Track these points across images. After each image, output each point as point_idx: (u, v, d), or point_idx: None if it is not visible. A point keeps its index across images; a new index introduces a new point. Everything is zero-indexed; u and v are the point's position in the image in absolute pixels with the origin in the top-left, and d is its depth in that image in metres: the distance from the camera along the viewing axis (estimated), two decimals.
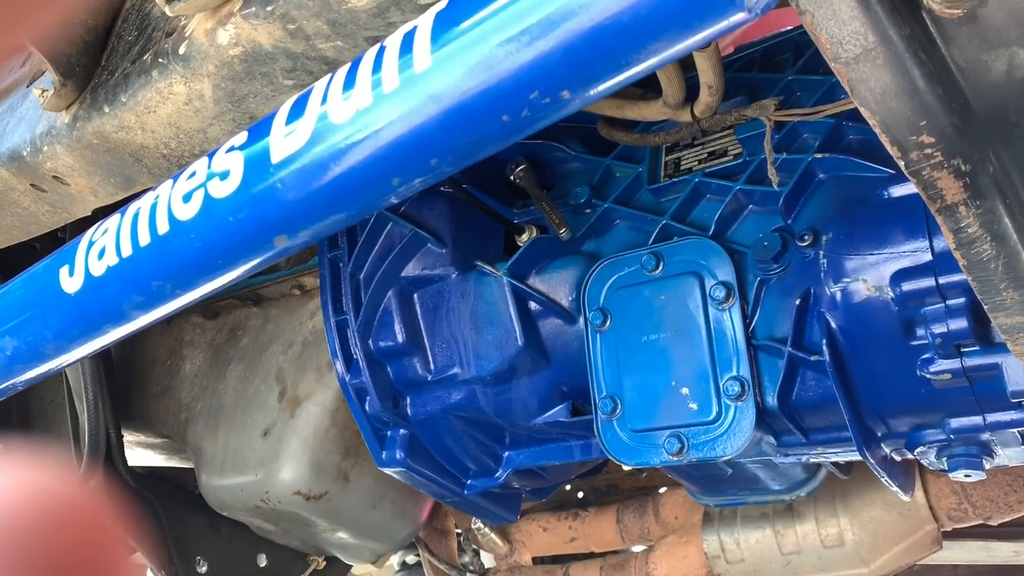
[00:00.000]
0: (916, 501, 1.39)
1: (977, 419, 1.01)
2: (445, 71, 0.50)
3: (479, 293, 1.33)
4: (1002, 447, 1.03)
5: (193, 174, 0.66)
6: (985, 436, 1.02)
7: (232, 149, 0.63)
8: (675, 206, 1.23)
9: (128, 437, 1.79)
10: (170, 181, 0.68)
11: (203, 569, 1.75)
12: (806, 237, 1.08)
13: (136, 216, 0.70)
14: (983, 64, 0.60)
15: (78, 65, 0.91)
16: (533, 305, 1.30)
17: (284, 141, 0.59)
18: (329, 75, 0.58)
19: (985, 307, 0.71)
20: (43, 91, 0.90)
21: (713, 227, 1.17)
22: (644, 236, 1.24)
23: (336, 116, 0.56)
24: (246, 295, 1.71)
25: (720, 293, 1.13)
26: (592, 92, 0.48)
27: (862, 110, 0.61)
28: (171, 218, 0.66)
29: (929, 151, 0.60)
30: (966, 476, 1.07)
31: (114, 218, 0.73)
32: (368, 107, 0.54)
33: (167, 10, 0.75)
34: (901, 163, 0.62)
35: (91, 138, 0.89)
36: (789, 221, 1.12)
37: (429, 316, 1.37)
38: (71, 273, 0.74)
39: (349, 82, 0.56)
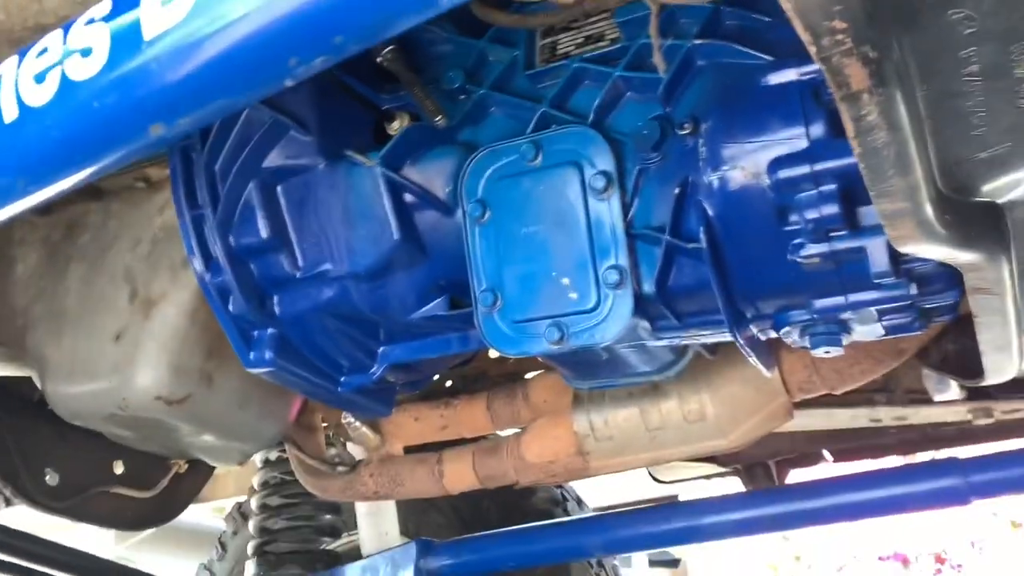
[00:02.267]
0: (771, 376, 1.48)
1: (840, 299, 1.07)
2: None
3: (350, 185, 1.26)
4: (859, 324, 1.11)
5: (45, 51, 0.56)
6: (846, 315, 1.09)
7: (93, 21, 0.54)
8: (553, 93, 1.20)
9: None
10: (15, 59, 0.58)
11: (54, 481, 1.65)
12: (686, 125, 1.08)
13: None
14: None
15: None
16: (409, 197, 1.25)
17: (160, 11, 0.51)
18: None
19: (872, 193, 0.74)
20: None
21: (592, 115, 1.16)
22: (522, 124, 1.21)
23: None
24: (83, 188, 1.55)
25: (599, 183, 1.13)
26: None
27: None
28: (20, 102, 0.57)
29: (840, 37, 0.60)
30: (826, 352, 1.14)
31: None
32: None
33: None
34: (812, 49, 0.61)
35: None
36: (668, 109, 1.11)
37: (295, 209, 1.30)
38: None
39: None
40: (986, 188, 0.81)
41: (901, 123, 0.66)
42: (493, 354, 2.16)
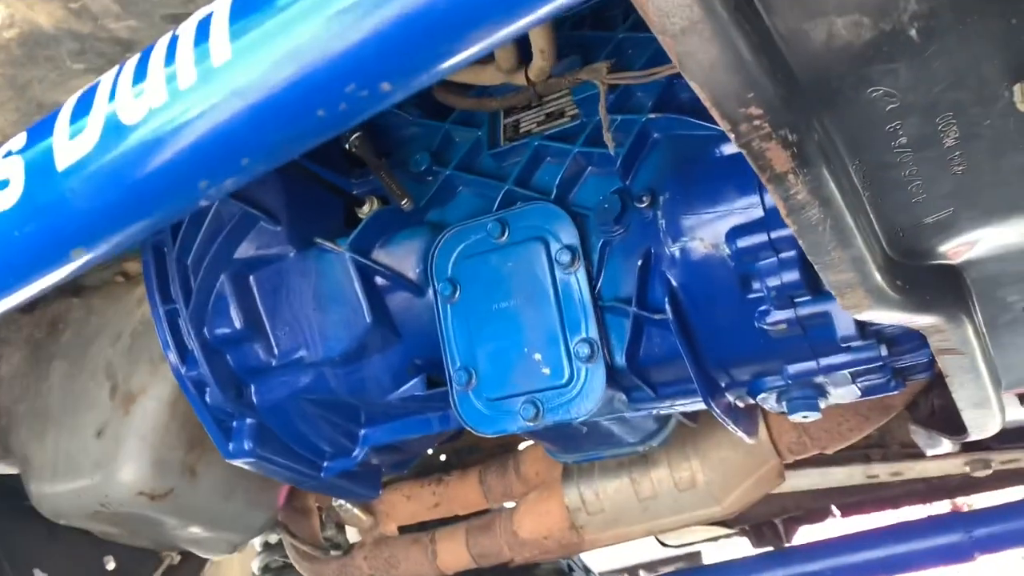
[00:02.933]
0: (760, 439, 1.46)
1: (811, 364, 1.06)
2: (248, 64, 0.45)
3: (320, 271, 1.27)
4: (834, 387, 1.09)
5: None
6: (819, 379, 1.08)
7: (9, 154, 0.55)
8: (517, 171, 1.21)
9: None
10: None
11: None
12: (644, 198, 1.09)
13: None
14: (804, 33, 0.60)
15: None
16: (379, 280, 1.25)
17: (70, 144, 0.51)
18: (116, 68, 0.51)
19: (816, 267, 0.73)
20: None
21: (555, 191, 1.17)
22: (488, 202, 1.22)
23: (127, 116, 0.49)
24: (64, 285, 1.56)
25: (565, 257, 1.13)
26: (415, 83, 0.44)
27: (691, 83, 0.60)
28: None
29: (757, 123, 0.60)
30: (804, 417, 1.12)
31: None
32: (163, 105, 0.48)
33: None
34: (731, 135, 0.62)
35: None
36: (627, 182, 1.12)
37: (269, 298, 1.30)
38: None
39: (139, 76, 0.49)
40: (939, 250, 0.81)
41: (832, 198, 0.66)
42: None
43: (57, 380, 1.53)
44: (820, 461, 1.68)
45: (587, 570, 2.56)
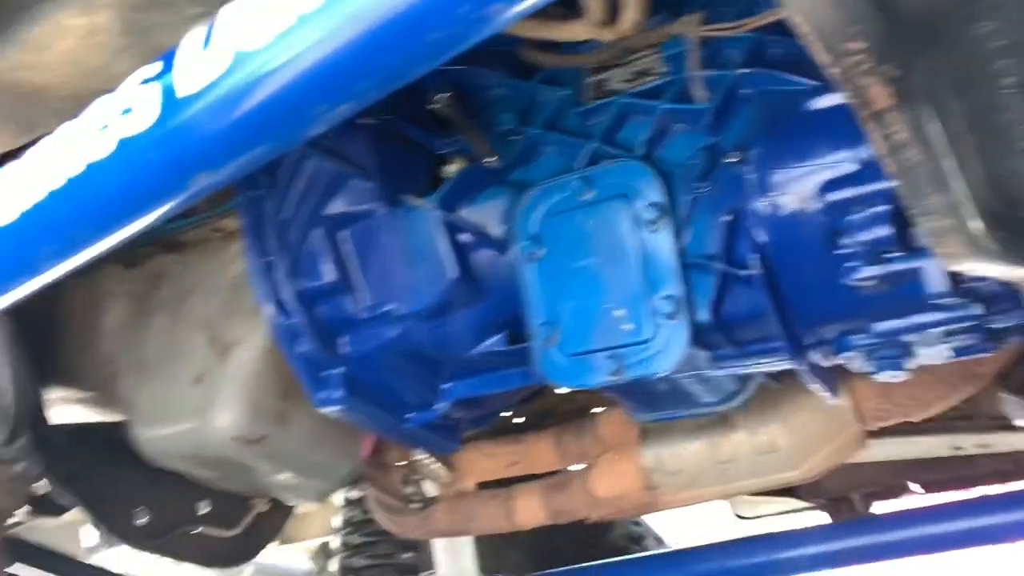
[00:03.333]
0: (842, 405, 1.44)
1: (900, 322, 1.05)
2: None
3: (408, 227, 1.31)
4: (923, 347, 1.08)
5: (104, 111, 0.61)
6: (907, 338, 1.07)
7: (145, 82, 0.59)
8: (603, 129, 1.22)
9: (54, 394, 1.73)
10: (78, 120, 0.63)
11: (143, 520, 1.72)
12: (733, 154, 1.09)
13: (45, 158, 0.65)
14: None
15: None
16: (465, 237, 1.28)
17: (198, 71, 0.55)
18: None
19: (912, 212, 0.73)
20: None
21: (642, 148, 1.17)
22: (573, 161, 1.23)
23: (253, 41, 0.53)
24: (165, 241, 1.65)
25: (650, 214, 1.14)
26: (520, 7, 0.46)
27: (793, 18, 0.60)
28: (83, 159, 0.62)
29: (859, 58, 0.60)
30: (891, 377, 1.11)
31: (20, 162, 0.68)
32: (288, 29, 0.51)
33: None
34: (832, 71, 0.62)
35: None
36: (716, 138, 1.12)
37: (359, 253, 1.35)
38: None
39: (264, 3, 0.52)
40: None
41: (933, 139, 0.66)
42: (563, 390, 2.17)
43: (158, 331, 1.62)
44: (902, 431, 1.66)
45: (658, 539, 2.57)
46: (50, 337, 1.76)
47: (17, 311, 1.57)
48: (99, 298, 1.72)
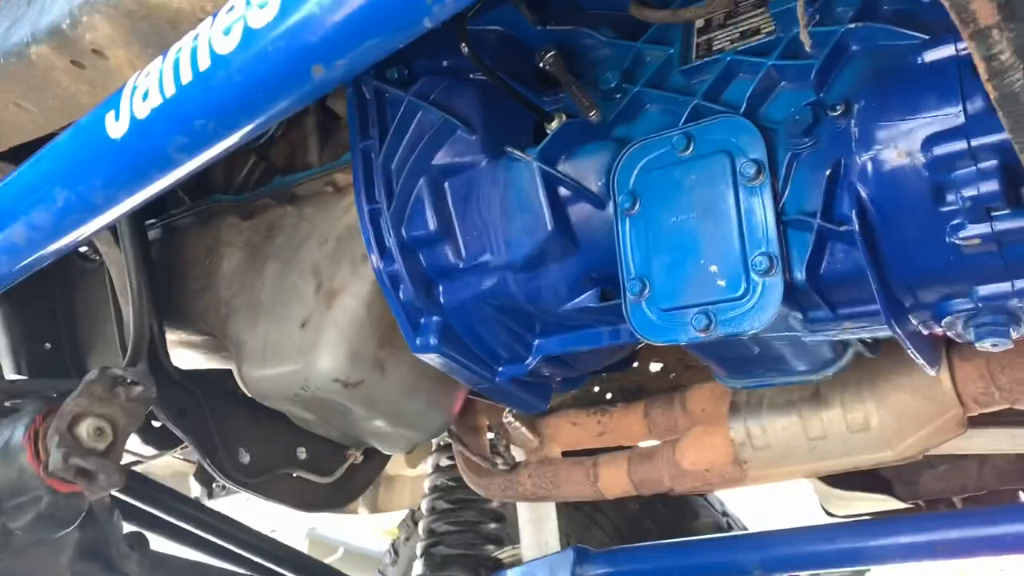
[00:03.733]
0: (942, 385, 1.40)
1: (1006, 285, 1.02)
2: None
3: (509, 179, 1.34)
4: None
5: (232, 8, 0.67)
6: (1013, 303, 1.03)
7: None
8: (706, 86, 1.22)
9: (170, 336, 1.85)
10: (211, 18, 0.70)
11: (246, 460, 1.82)
12: (838, 108, 1.08)
13: (178, 54, 0.71)
14: None
15: None
16: (563, 191, 1.31)
17: None
18: None
19: (1016, 146, 0.71)
20: None
21: (745, 105, 1.17)
22: (675, 118, 1.24)
23: None
24: (281, 194, 1.74)
25: (750, 170, 1.14)
26: None
27: None
28: (212, 53, 0.68)
29: None
30: (993, 345, 1.08)
31: (157, 60, 0.75)
32: None
33: None
34: None
35: (128, 4, 0.90)
36: (821, 93, 1.11)
37: (460, 204, 1.39)
38: (116, 118, 0.77)
39: None
40: None
41: None
42: (654, 368, 2.17)
43: (270, 278, 1.71)
44: (1007, 420, 1.59)
45: (745, 528, 2.53)
46: (173, 281, 1.88)
47: (144, 253, 1.70)
48: (218, 246, 1.83)
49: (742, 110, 1.17)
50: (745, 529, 2.59)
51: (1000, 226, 0.97)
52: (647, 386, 2.14)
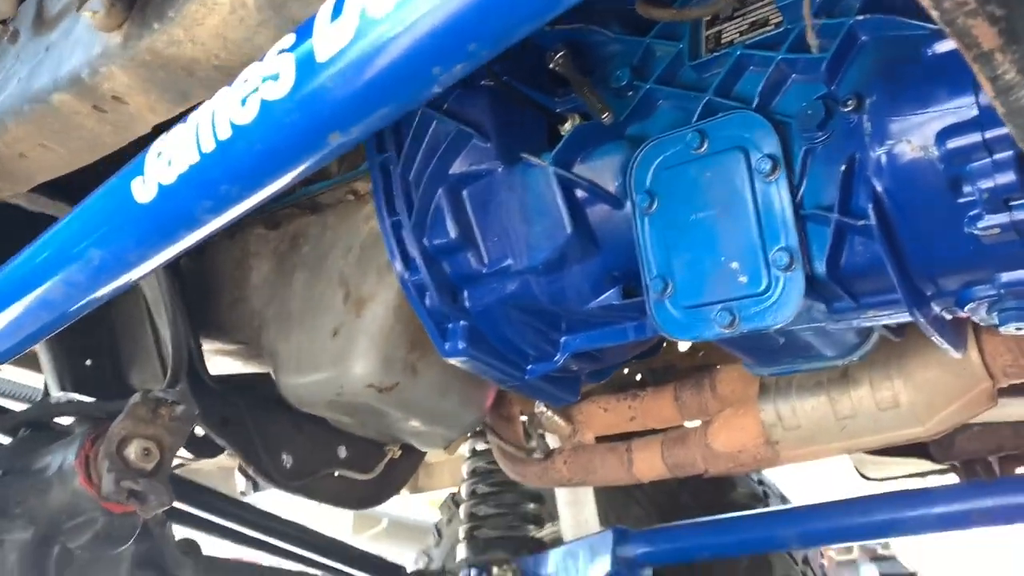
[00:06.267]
0: (971, 360, 1.41)
1: None
2: None
3: (526, 185, 1.35)
4: None
5: (247, 80, 0.69)
6: None
7: (282, 51, 0.67)
8: (717, 81, 1.22)
9: (206, 347, 1.89)
10: (227, 88, 0.72)
11: (288, 463, 1.87)
12: (849, 102, 1.07)
13: (198, 125, 0.74)
14: None
15: None
16: (580, 193, 1.32)
17: (329, 39, 0.62)
18: None
19: None
20: (94, 12, 0.94)
21: (757, 99, 1.17)
22: (688, 114, 1.24)
23: (375, 9, 0.58)
24: (304, 203, 1.76)
25: (766, 166, 1.14)
26: None
27: None
28: (231, 123, 0.71)
29: None
30: (1017, 329, 1.08)
31: (178, 128, 0.78)
32: None
33: None
34: (935, 13, 0.62)
35: (144, 55, 0.93)
36: (832, 87, 1.11)
37: (479, 211, 1.41)
38: (144, 183, 0.79)
39: None
40: None
41: None
42: (683, 347, 2.18)
43: (299, 288, 1.74)
44: None
45: (783, 497, 2.56)
46: (205, 294, 1.93)
47: (174, 270, 1.74)
48: (246, 257, 1.87)
49: (754, 104, 1.17)
50: (780, 495, 2.61)
51: (1019, 215, 0.96)
52: (676, 366, 2.16)
